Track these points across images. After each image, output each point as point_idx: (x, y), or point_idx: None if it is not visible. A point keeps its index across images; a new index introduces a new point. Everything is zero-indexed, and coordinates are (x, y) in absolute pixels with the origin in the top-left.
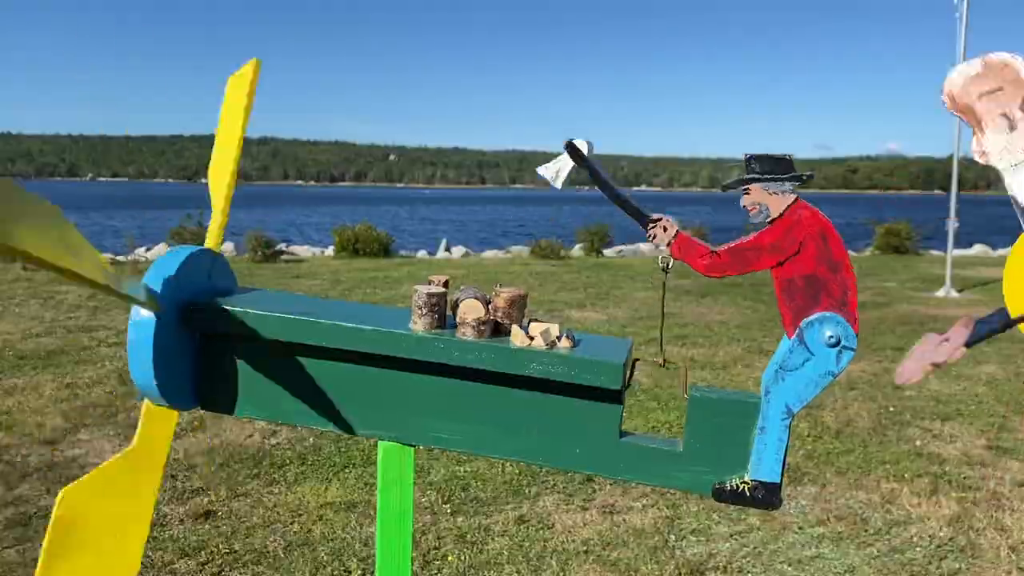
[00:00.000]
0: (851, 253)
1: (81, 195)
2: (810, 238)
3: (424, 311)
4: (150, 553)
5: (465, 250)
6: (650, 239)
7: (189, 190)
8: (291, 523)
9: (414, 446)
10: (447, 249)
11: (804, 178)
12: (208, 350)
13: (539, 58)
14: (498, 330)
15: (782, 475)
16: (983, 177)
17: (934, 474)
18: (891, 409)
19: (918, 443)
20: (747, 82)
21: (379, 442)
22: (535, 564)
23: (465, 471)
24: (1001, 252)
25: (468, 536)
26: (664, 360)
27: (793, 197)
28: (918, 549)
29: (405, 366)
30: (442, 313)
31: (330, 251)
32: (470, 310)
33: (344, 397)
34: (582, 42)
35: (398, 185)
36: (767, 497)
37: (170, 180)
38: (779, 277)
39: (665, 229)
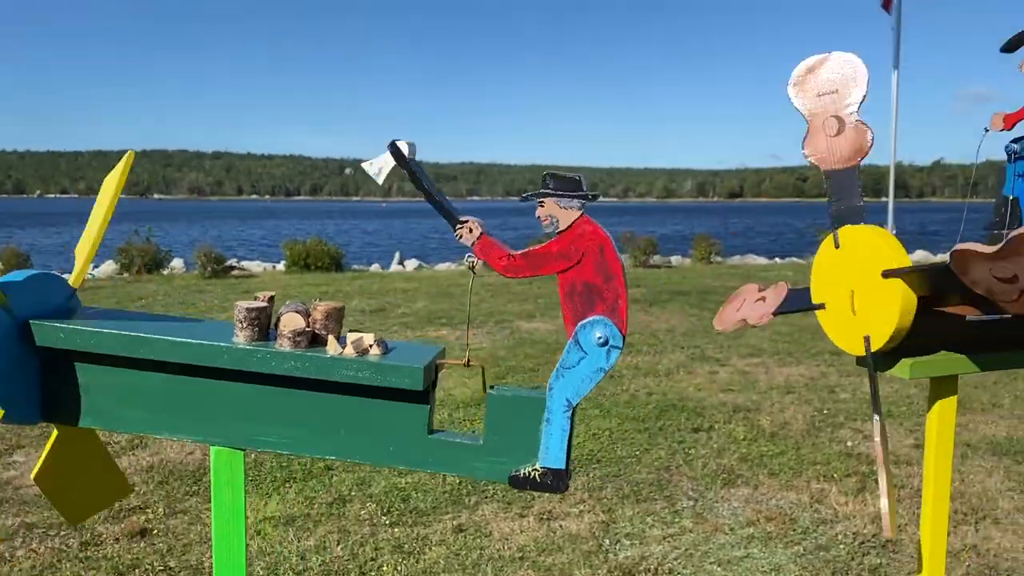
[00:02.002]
0: (798, 260)
1: (26, 212)
2: (591, 250)
3: (244, 325)
4: (82, 573)
5: (418, 263)
6: (458, 239)
7: (140, 205)
8: None
9: (243, 450)
10: (400, 262)
11: (591, 197)
12: (51, 366)
13: (494, 71)
14: (316, 340)
15: (567, 461)
16: (928, 184)
17: (862, 473)
18: (825, 411)
19: (849, 443)
20: (699, 93)
21: (211, 447)
22: (471, 572)
23: (406, 483)
24: (942, 256)
25: (405, 546)
26: (468, 360)
27: (579, 213)
28: (842, 546)
29: (230, 376)
30: (263, 326)
31: (281, 266)
32: (288, 323)
33: (176, 406)
34: (535, 53)
35: (354, 199)
36: (555, 482)
37: (121, 196)
38: (563, 283)
39: (471, 231)
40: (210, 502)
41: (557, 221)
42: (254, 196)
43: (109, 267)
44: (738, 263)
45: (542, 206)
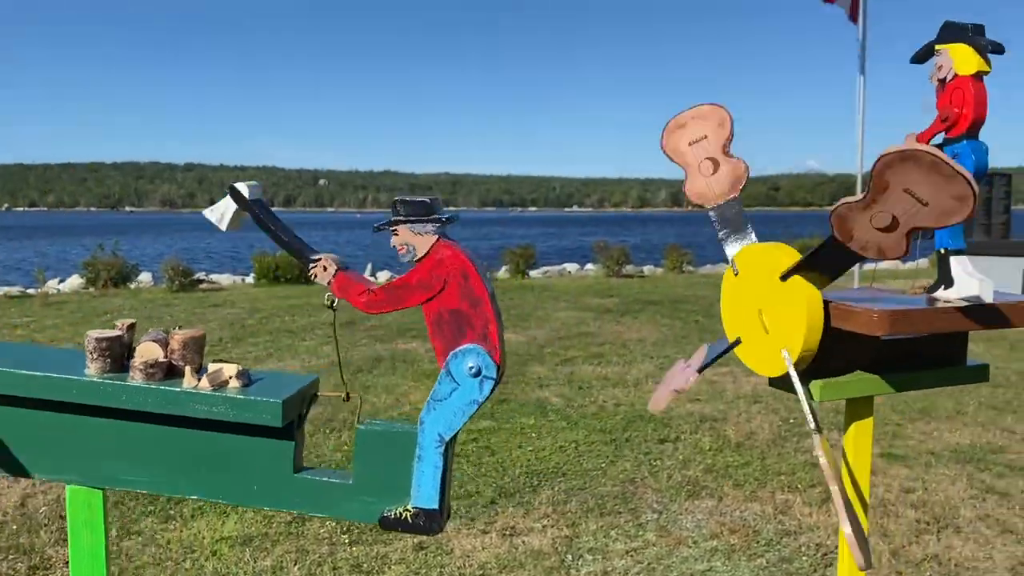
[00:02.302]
0: None
1: None
2: (452, 276)
3: (95, 356)
4: None
5: (391, 274)
6: (313, 278)
7: (110, 218)
8: (183, 560)
9: (102, 489)
10: (372, 274)
11: (444, 219)
12: None
13: (469, 82)
14: (174, 371)
15: (441, 501)
16: None
17: (827, 484)
18: (791, 421)
19: (815, 453)
20: (674, 102)
21: (67, 486)
22: None
23: None
24: (910, 265)
25: (364, 566)
26: (347, 394)
27: (436, 237)
28: (805, 558)
29: (83, 411)
30: (117, 357)
31: (251, 279)
32: (142, 353)
33: (28, 442)
34: (514, 65)
35: (328, 209)
36: (428, 523)
37: (92, 209)
38: (428, 312)
39: (325, 268)
40: (167, 522)
41: (414, 249)
42: None
43: (75, 281)
44: (710, 272)
45: (396, 235)
